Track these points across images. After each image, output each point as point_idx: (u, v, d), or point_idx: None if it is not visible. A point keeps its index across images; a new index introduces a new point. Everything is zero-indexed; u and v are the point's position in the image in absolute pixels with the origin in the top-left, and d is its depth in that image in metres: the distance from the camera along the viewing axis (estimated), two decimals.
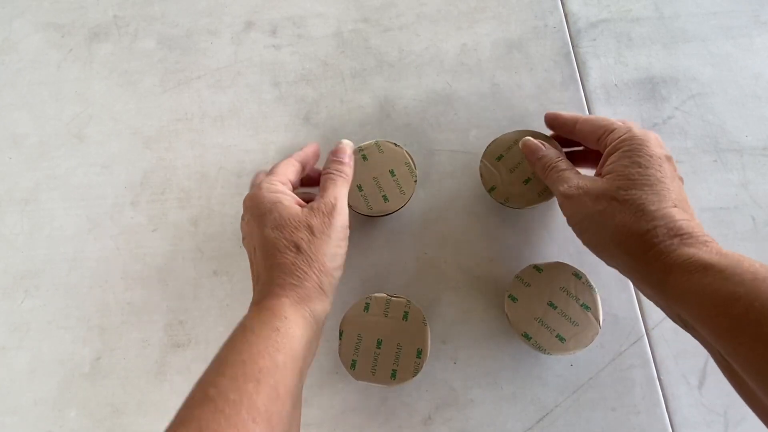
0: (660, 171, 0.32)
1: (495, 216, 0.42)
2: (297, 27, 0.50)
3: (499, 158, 0.40)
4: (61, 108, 0.48)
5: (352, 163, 0.39)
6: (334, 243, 0.34)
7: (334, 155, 0.38)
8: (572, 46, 0.48)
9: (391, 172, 0.40)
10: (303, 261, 0.32)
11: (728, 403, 0.37)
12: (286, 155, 0.39)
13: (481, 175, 0.40)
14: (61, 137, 0.47)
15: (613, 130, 0.34)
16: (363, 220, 0.42)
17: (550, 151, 0.37)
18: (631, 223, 0.30)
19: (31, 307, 0.42)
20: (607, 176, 0.33)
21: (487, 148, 0.40)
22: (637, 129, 0.34)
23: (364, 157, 0.41)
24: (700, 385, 0.38)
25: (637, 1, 0.49)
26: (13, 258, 0.44)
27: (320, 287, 0.32)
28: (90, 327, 0.41)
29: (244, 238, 0.37)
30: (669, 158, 0.33)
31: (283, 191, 0.35)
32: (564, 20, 0.49)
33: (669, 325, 0.39)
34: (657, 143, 0.33)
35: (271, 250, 0.33)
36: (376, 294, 0.37)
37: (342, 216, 0.35)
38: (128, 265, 0.43)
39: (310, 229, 0.33)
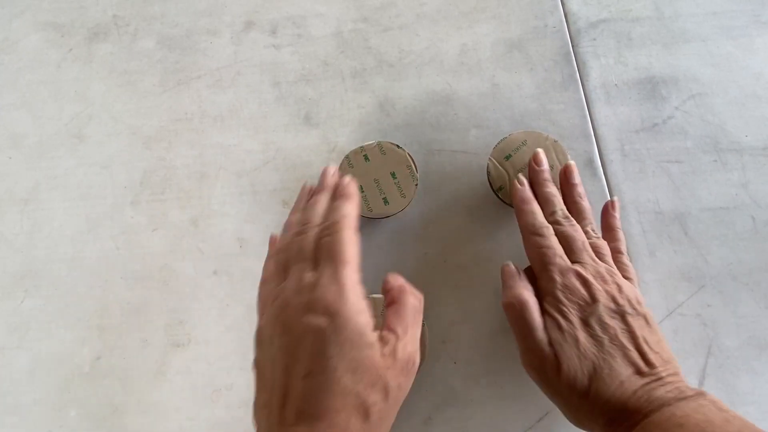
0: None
1: (495, 216, 0.42)
2: (297, 27, 0.50)
3: (508, 158, 0.40)
4: (60, 108, 0.48)
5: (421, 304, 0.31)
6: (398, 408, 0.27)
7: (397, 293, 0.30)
8: (572, 46, 0.48)
9: (393, 175, 0.40)
10: None
11: (728, 403, 0.37)
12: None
13: (489, 173, 0.40)
14: (60, 137, 0.47)
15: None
16: (362, 221, 0.42)
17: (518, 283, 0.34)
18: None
19: (31, 307, 0.42)
20: None
21: (496, 146, 0.40)
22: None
23: (366, 158, 0.41)
24: (699, 384, 0.38)
25: (637, 0, 0.49)
26: (13, 258, 0.44)
27: None
28: (90, 327, 0.41)
29: (263, 329, 0.29)
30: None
31: (367, 313, 0.27)
32: (564, 20, 0.49)
33: (668, 325, 0.39)
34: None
35: (332, 401, 0.24)
36: (375, 295, 0.37)
37: (416, 368, 0.28)
38: (128, 265, 0.43)
39: (385, 391, 0.26)
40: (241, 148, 0.46)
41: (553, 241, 0.34)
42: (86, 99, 0.49)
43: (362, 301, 0.28)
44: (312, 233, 0.31)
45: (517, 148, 0.40)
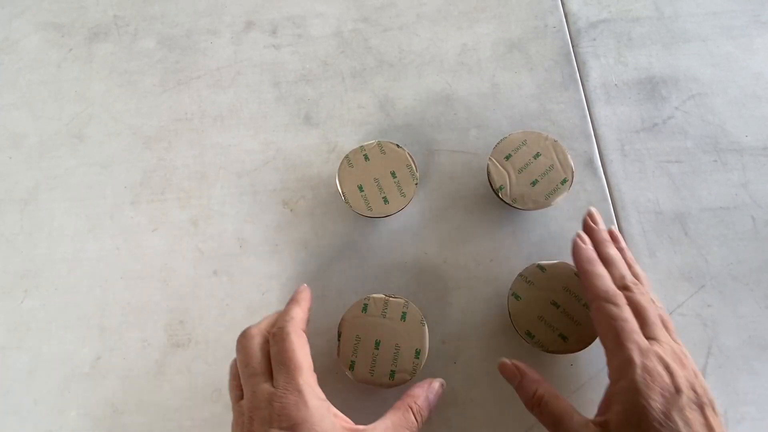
0: None
1: (495, 216, 0.42)
2: (297, 27, 0.50)
3: (508, 158, 0.40)
4: (60, 108, 0.48)
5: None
6: None
7: (430, 391, 0.32)
8: (572, 46, 0.48)
9: (393, 174, 0.40)
10: None
11: (728, 403, 0.37)
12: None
13: (489, 173, 0.40)
14: (61, 137, 0.47)
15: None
16: (362, 220, 0.42)
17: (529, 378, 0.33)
18: None
19: (31, 307, 0.42)
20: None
21: (496, 146, 0.41)
22: (638, 367, 0.28)
23: (366, 158, 0.41)
24: None
25: (637, 0, 0.49)
26: (13, 258, 0.44)
27: None
28: (90, 327, 0.41)
29: None
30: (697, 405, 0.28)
31: (331, 415, 0.28)
32: (564, 20, 0.49)
33: None
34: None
35: None
36: (375, 295, 0.37)
37: None
38: (128, 265, 0.43)
39: None
40: (241, 148, 0.46)
41: (628, 313, 0.31)
42: (86, 99, 0.49)
43: (324, 404, 0.28)
44: (255, 343, 0.31)
45: (517, 148, 0.40)
